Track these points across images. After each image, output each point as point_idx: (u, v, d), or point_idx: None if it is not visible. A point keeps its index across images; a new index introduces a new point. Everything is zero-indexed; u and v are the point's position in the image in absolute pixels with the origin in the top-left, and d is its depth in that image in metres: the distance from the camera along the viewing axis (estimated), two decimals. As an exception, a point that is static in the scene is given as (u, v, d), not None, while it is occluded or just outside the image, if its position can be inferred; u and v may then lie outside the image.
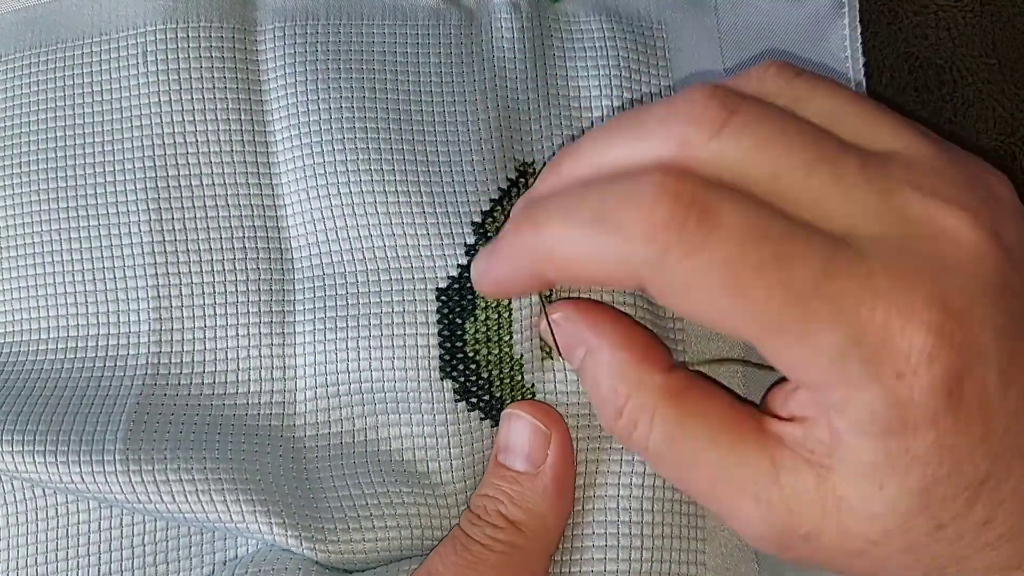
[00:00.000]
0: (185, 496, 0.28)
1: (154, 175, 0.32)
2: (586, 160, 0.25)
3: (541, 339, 0.30)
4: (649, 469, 0.29)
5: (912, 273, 0.21)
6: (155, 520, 0.30)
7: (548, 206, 0.24)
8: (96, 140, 0.32)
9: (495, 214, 0.31)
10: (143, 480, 0.28)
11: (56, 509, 0.31)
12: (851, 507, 0.23)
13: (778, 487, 0.24)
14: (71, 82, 0.33)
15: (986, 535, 0.23)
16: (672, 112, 0.23)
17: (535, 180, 0.31)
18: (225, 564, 0.30)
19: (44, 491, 0.31)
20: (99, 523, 0.30)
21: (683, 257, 0.21)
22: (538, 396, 0.30)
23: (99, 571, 0.30)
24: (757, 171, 0.22)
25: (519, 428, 0.29)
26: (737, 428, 0.25)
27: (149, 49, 0.32)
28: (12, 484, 0.31)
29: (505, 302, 0.30)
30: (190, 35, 0.32)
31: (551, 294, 0.30)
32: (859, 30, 0.34)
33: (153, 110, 0.32)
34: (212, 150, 0.32)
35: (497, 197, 0.31)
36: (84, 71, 0.33)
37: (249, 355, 0.31)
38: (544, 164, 0.32)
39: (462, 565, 0.27)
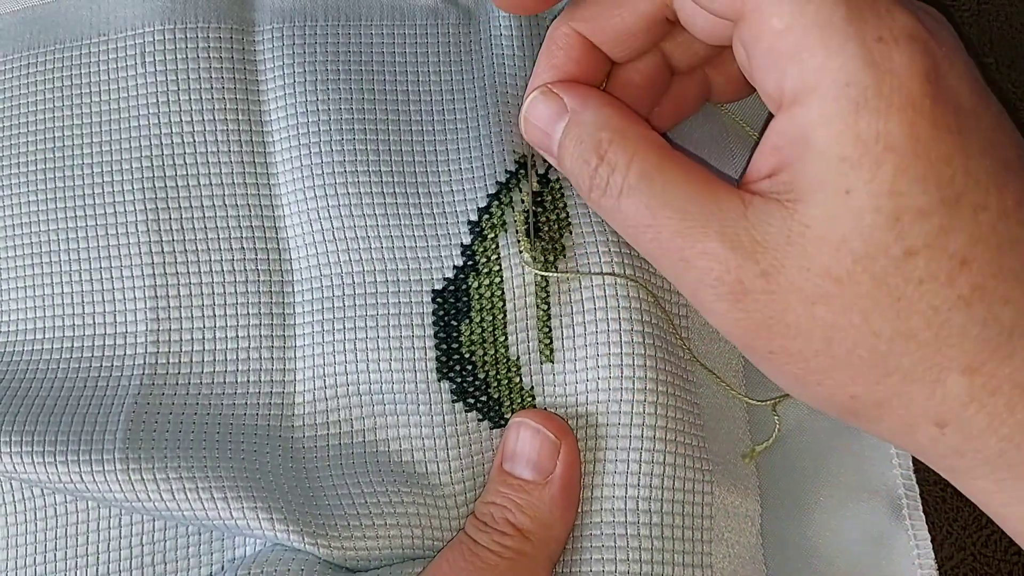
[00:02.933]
0: (185, 494, 0.28)
1: (152, 175, 0.32)
2: None
3: (540, 342, 0.30)
4: (649, 469, 0.29)
5: None
6: (154, 520, 0.30)
7: None
8: (94, 140, 0.32)
9: (492, 210, 0.31)
10: (143, 479, 0.28)
11: (55, 509, 0.31)
12: (818, 236, 0.22)
13: (745, 221, 0.23)
14: (69, 83, 0.33)
15: (960, 281, 0.21)
16: None
17: (533, 172, 0.31)
18: (224, 566, 0.30)
19: (43, 491, 0.31)
20: (98, 523, 0.31)
21: None
22: (537, 400, 0.30)
23: (97, 571, 0.30)
24: None
25: (528, 437, 0.29)
26: (712, 179, 0.25)
27: (147, 50, 0.32)
28: (11, 484, 0.31)
29: (499, 304, 0.30)
30: (188, 36, 0.32)
31: (545, 272, 0.30)
32: None
33: (151, 111, 0.32)
34: (210, 150, 0.32)
35: (494, 191, 0.31)
36: (82, 72, 0.33)
37: (249, 356, 0.31)
38: (543, 158, 0.32)
39: (471, 570, 0.27)
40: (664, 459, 0.29)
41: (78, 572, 0.30)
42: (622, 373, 0.29)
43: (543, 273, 0.30)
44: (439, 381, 0.30)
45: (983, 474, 0.23)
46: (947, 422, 0.22)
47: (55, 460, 0.29)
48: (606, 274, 0.30)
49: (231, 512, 0.28)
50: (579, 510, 0.29)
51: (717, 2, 0.23)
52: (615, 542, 0.29)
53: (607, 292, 0.30)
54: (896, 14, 0.21)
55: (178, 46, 0.32)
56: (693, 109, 0.32)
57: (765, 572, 0.31)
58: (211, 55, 0.32)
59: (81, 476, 0.29)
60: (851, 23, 0.21)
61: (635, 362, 0.29)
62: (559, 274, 0.30)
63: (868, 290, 0.22)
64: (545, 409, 0.30)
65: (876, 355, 0.22)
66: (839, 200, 0.21)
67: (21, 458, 0.29)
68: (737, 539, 0.30)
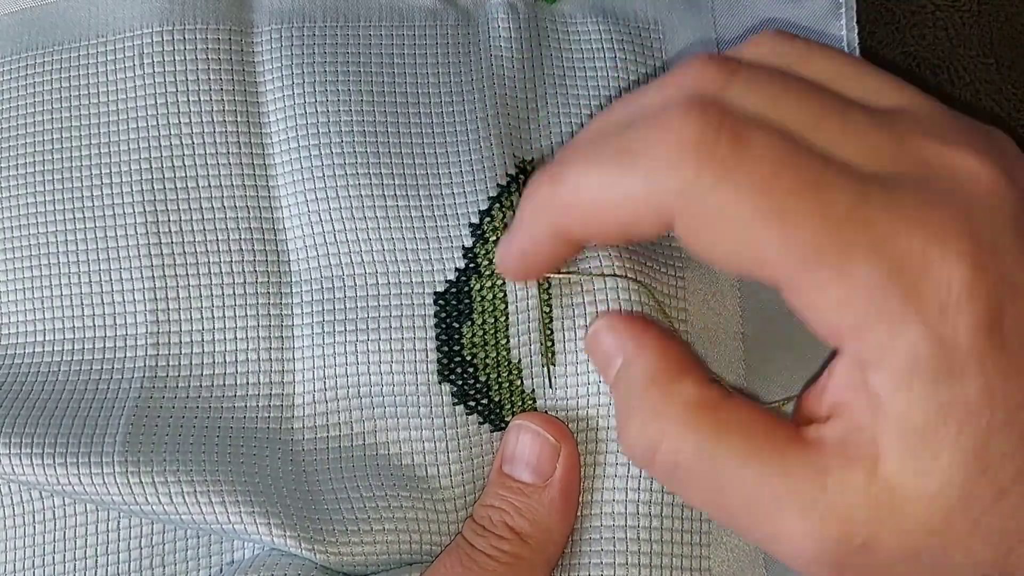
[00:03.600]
0: (183, 498, 0.28)
1: (150, 177, 0.32)
2: (602, 121, 0.24)
3: (542, 344, 0.30)
4: (649, 474, 0.29)
5: (940, 205, 0.20)
6: (152, 523, 0.30)
7: (567, 155, 0.23)
8: (92, 143, 0.32)
9: (493, 213, 0.31)
10: (141, 482, 0.28)
11: (53, 512, 0.31)
12: (907, 495, 0.21)
13: (825, 494, 0.21)
14: (67, 84, 0.33)
15: None
16: (673, 82, 0.23)
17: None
18: (222, 569, 0.30)
19: (41, 494, 0.31)
20: (96, 526, 0.30)
21: (716, 180, 0.20)
22: (538, 403, 0.30)
23: (95, 574, 0.30)
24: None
25: (528, 440, 0.29)
26: (775, 438, 0.23)
27: (146, 52, 0.32)
28: (9, 487, 0.31)
29: (502, 307, 0.30)
30: (186, 37, 0.32)
31: (550, 292, 0.30)
32: (856, 30, 0.34)
33: (150, 112, 0.32)
34: (208, 152, 0.32)
35: (495, 195, 0.31)
36: (80, 73, 0.33)
37: (248, 358, 0.31)
38: (542, 161, 0.31)
39: (473, 575, 0.27)
40: None
41: (76, 575, 0.30)
42: None
43: (545, 274, 0.30)
44: (440, 384, 0.30)
45: None
46: None
47: (54, 463, 0.29)
48: (608, 275, 0.30)
49: (228, 517, 0.28)
50: (578, 514, 0.29)
51: (762, 277, 0.22)
52: (614, 546, 0.29)
53: (609, 296, 0.30)
54: (952, 266, 0.20)
55: (176, 48, 0.32)
56: None
57: None
58: (209, 57, 0.32)
59: (80, 479, 0.28)
60: (907, 301, 0.20)
61: None
62: (561, 275, 0.30)
63: (968, 532, 0.21)
64: (546, 412, 0.30)
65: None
66: (926, 461, 0.21)
67: (20, 460, 0.29)
68: (737, 543, 0.30)
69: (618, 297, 0.30)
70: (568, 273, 0.30)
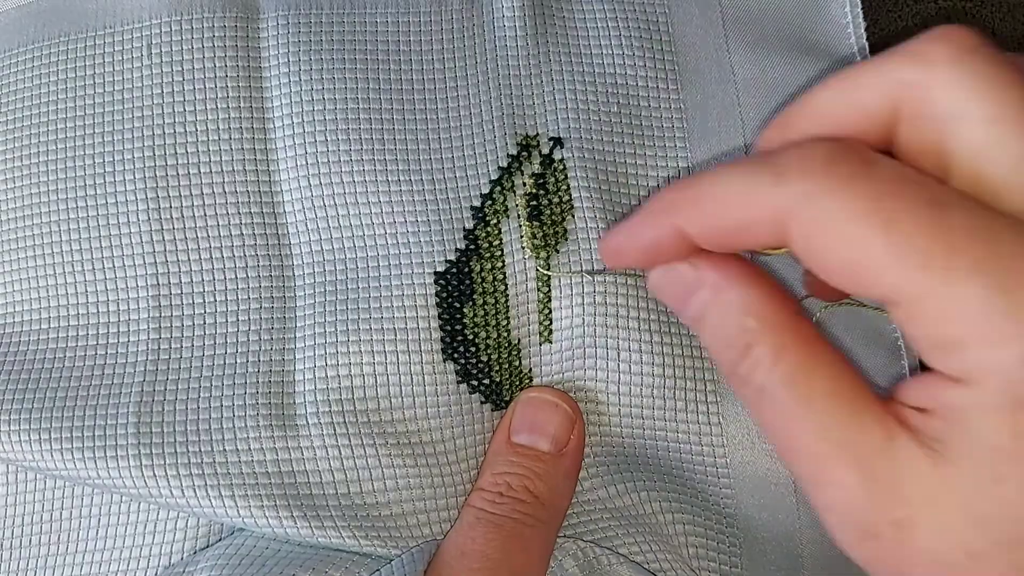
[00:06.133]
0: (195, 491, 0.29)
1: (153, 165, 0.32)
2: None
3: (540, 324, 0.30)
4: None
5: None
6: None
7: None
8: (97, 131, 0.32)
9: (494, 196, 0.31)
10: (155, 475, 0.29)
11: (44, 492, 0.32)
12: (959, 503, 0.21)
13: (887, 458, 0.22)
14: (73, 74, 0.33)
15: None
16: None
17: (537, 153, 0.31)
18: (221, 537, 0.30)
19: (32, 475, 0.31)
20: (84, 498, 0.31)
21: (835, 188, 0.21)
22: (535, 380, 0.31)
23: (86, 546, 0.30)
24: None
25: (547, 410, 0.30)
26: (860, 391, 0.23)
27: (154, 42, 0.33)
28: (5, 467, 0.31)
29: (502, 288, 0.31)
30: (194, 27, 0.33)
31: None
32: (861, 16, 0.34)
33: (156, 101, 0.32)
34: (211, 139, 0.32)
35: (497, 177, 0.31)
36: (87, 63, 0.33)
37: (249, 340, 0.31)
38: (547, 138, 0.31)
39: (500, 539, 0.27)
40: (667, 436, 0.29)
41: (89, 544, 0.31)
42: (619, 352, 0.30)
43: (547, 272, 0.30)
44: (444, 362, 0.30)
45: None
46: None
47: (71, 446, 0.29)
48: (608, 272, 0.30)
49: (238, 511, 0.28)
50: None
51: (869, 291, 0.22)
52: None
53: (607, 276, 0.30)
54: None
55: (184, 37, 0.32)
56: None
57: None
58: (215, 44, 0.32)
59: (96, 463, 0.29)
60: (1008, 319, 0.20)
61: (630, 336, 0.30)
62: (562, 274, 0.30)
63: (1003, 569, 0.21)
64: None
65: None
66: (989, 484, 0.21)
67: (31, 446, 0.29)
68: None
69: (615, 280, 0.30)
70: (569, 272, 0.30)
